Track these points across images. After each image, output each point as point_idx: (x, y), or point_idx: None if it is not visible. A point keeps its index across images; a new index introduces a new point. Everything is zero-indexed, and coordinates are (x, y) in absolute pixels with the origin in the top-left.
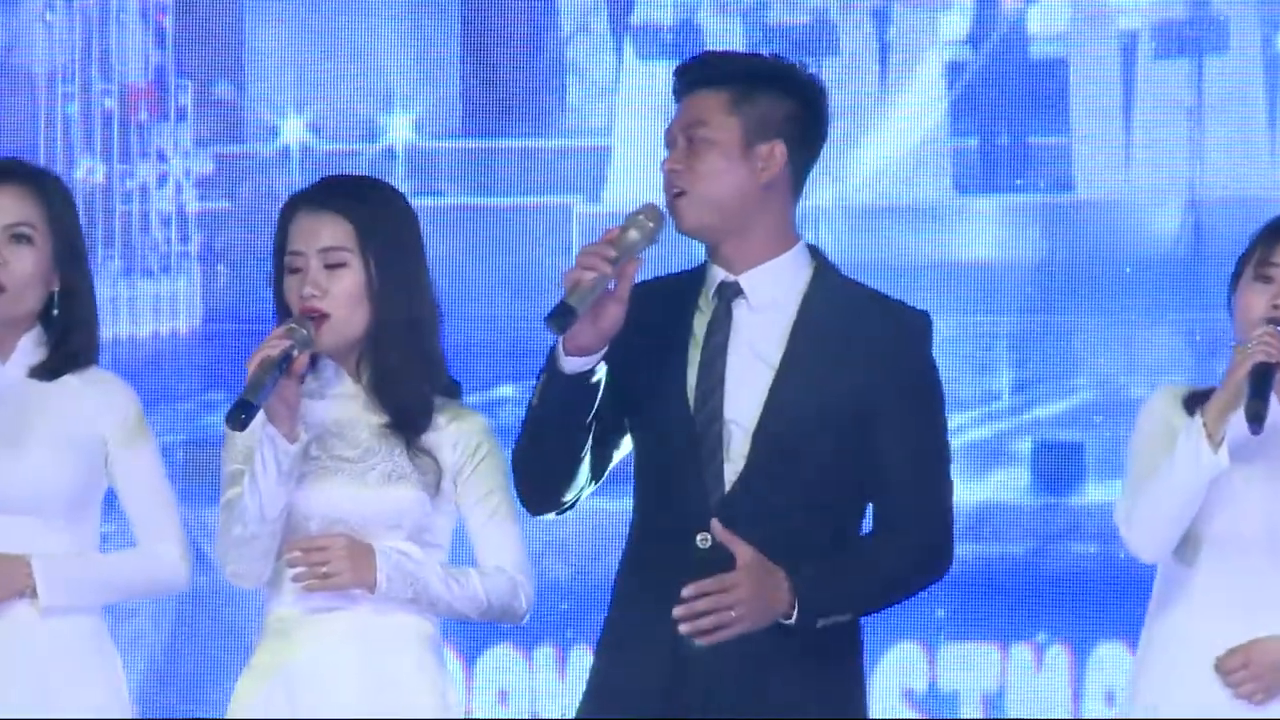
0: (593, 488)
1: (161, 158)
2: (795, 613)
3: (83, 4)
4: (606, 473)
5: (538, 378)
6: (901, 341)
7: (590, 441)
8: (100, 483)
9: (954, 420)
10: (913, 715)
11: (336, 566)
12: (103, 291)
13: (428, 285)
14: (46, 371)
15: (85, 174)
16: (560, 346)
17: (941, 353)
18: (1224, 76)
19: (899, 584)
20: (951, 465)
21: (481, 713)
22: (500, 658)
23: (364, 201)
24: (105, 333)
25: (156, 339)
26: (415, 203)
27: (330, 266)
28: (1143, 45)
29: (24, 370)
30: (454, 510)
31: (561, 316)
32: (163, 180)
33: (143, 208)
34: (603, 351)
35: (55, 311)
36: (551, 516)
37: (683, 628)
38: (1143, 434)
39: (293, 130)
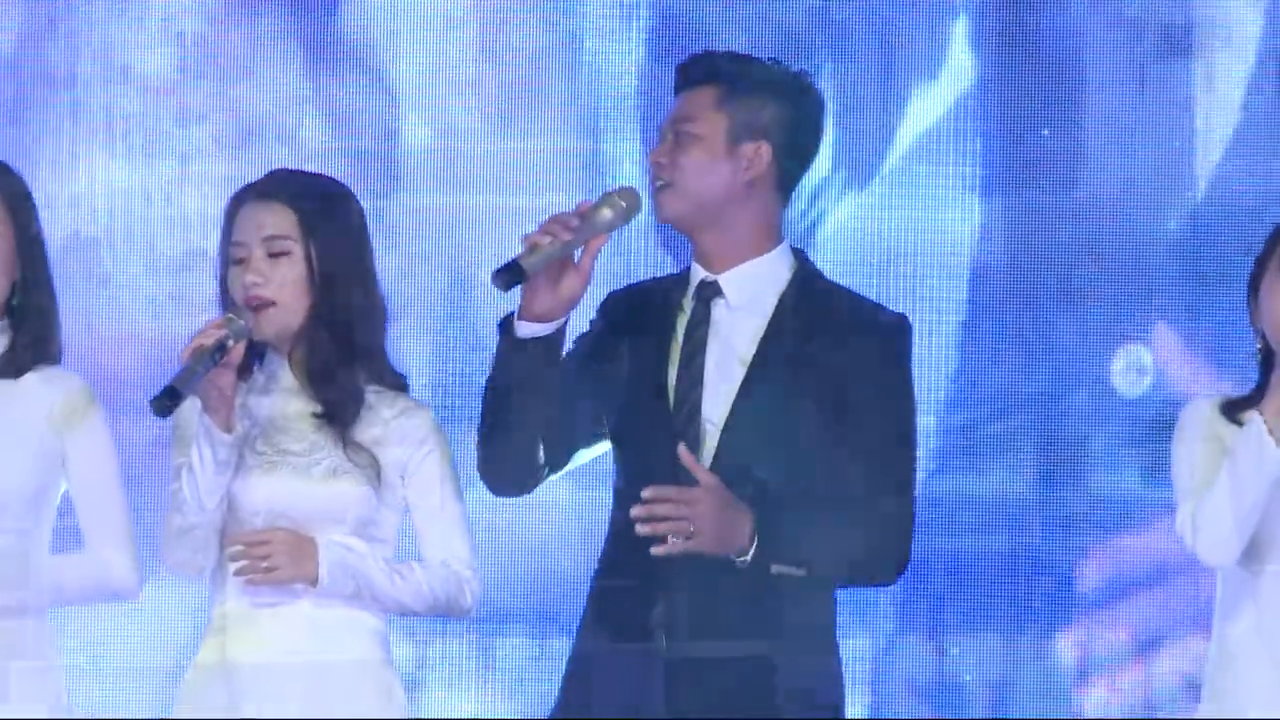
0: (548, 476)
1: (181, 159)
2: (752, 549)
3: (104, 6)
4: (568, 465)
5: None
6: (875, 344)
7: (549, 424)
8: (55, 484)
9: (956, 417)
10: (918, 707)
11: (277, 560)
12: (123, 291)
13: (372, 279)
14: (11, 368)
15: (106, 175)
16: (515, 313)
17: (944, 350)
18: (1227, 76)
19: (855, 558)
20: (915, 470)
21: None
22: (513, 648)
23: (308, 193)
24: (123, 331)
25: (176, 339)
26: (430, 201)
27: (273, 255)
28: (1146, 44)
29: None
30: (402, 504)
31: (508, 273)
32: (183, 181)
33: (164, 209)
34: (560, 321)
35: (15, 300)
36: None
37: (639, 528)
38: (1188, 444)
39: (310, 130)
